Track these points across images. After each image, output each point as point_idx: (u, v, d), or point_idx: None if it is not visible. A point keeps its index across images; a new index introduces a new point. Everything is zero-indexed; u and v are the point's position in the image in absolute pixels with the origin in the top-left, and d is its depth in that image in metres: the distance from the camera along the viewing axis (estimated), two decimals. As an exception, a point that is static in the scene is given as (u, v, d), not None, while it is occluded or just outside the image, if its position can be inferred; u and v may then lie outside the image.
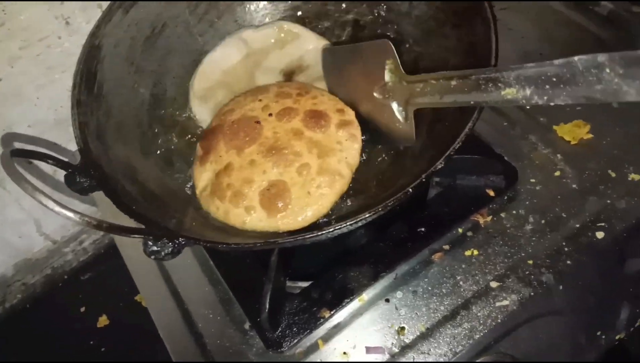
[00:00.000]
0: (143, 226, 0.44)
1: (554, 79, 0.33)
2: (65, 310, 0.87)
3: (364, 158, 0.55)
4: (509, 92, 0.36)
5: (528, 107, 0.64)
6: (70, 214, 0.39)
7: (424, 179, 0.43)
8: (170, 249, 0.43)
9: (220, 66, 0.64)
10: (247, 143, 0.53)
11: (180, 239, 0.43)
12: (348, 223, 0.42)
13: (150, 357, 0.80)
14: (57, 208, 0.39)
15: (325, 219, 0.50)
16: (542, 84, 0.34)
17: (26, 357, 0.81)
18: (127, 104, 0.58)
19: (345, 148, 0.52)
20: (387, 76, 0.49)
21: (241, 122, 0.54)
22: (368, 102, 0.52)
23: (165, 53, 0.63)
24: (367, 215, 0.42)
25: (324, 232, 0.42)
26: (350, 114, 0.54)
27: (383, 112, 0.51)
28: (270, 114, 0.54)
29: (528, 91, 0.35)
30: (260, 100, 0.56)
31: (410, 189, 0.43)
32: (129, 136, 0.57)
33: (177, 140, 0.61)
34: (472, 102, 0.41)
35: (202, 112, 0.62)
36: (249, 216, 0.49)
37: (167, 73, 0.63)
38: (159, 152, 0.58)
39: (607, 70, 0.29)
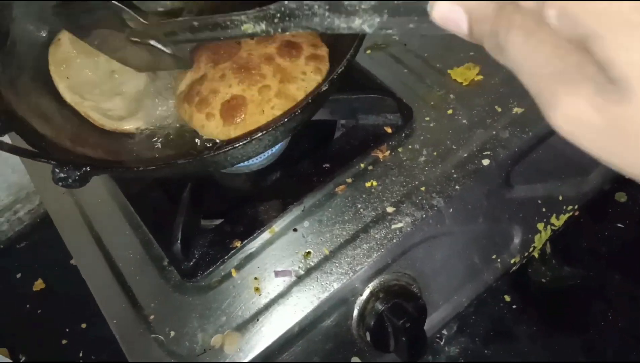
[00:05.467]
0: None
1: (279, 15, 0.38)
2: (0, 277, 0.89)
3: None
4: (247, 28, 0.41)
5: (426, 54, 0.70)
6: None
7: (309, 100, 0.47)
8: (77, 176, 0.46)
9: None
10: (223, 59, 0.57)
11: (87, 167, 0.47)
12: (242, 142, 0.46)
13: (84, 316, 0.82)
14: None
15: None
16: (271, 20, 0.39)
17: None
18: (39, 59, 0.61)
19: (308, 79, 0.56)
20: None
21: (224, 42, 0.58)
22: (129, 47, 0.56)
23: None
24: (259, 134, 0.46)
25: (221, 151, 0.46)
26: (323, 50, 0.59)
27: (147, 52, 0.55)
28: (252, 38, 0.59)
29: (263, 25, 0.40)
30: None
31: (299, 110, 0.47)
32: (43, 88, 0.59)
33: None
34: (222, 38, 0.45)
35: None
36: (208, 122, 0.55)
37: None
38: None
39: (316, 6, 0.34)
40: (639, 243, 0.79)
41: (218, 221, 0.60)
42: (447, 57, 0.69)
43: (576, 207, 0.70)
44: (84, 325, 0.83)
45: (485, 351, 0.74)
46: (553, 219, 0.68)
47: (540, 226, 0.68)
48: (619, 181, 0.78)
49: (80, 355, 0.80)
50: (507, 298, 0.78)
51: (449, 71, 0.68)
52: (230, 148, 0.45)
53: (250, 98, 0.55)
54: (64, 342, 0.81)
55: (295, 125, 0.49)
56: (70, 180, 0.46)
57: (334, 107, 0.64)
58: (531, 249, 0.69)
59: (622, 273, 0.76)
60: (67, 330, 0.82)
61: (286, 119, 0.46)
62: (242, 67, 0.56)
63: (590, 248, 0.79)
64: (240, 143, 0.45)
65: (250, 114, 0.54)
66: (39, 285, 0.87)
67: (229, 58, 0.57)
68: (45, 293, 0.86)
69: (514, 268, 0.69)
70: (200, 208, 0.60)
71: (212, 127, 0.54)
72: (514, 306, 0.77)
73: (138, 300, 0.57)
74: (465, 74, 0.66)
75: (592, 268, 0.78)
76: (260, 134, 0.46)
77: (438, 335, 0.74)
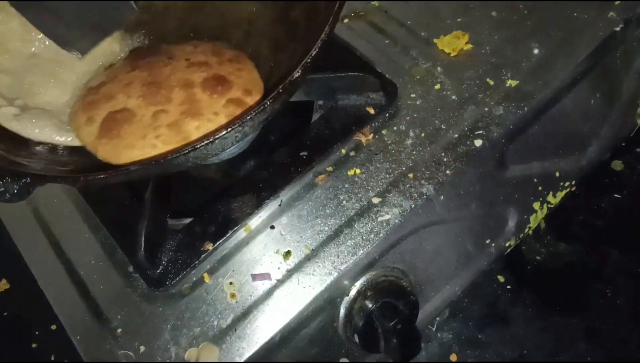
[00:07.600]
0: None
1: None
2: (-39, 280, 0.83)
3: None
4: None
5: (409, 22, 0.64)
6: None
7: (280, 90, 0.41)
8: (16, 189, 0.40)
9: None
10: (142, 67, 0.52)
11: (27, 178, 0.40)
12: (205, 142, 0.40)
13: (54, 317, 0.77)
14: None
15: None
16: None
17: None
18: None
19: (216, 122, 0.48)
20: None
21: (158, 54, 0.53)
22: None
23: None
24: (223, 132, 0.40)
25: (180, 154, 0.40)
26: (253, 99, 0.50)
27: None
28: (188, 59, 0.52)
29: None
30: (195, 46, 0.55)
31: (269, 102, 0.41)
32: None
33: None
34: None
35: None
36: (86, 126, 0.48)
37: None
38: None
39: None
40: (636, 213, 0.75)
41: (187, 221, 0.54)
42: (433, 24, 0.62)
43: (573, 183, 0.66)
44: (54, 327, 0.77)
45: (480, 336, 0.70)
46: (549, 198, 0.64)
47: (536, 205, 0.63)
48: (615, 148, 0.73)
49: (52, 358, 0.75)
50: (501, 279, 0.74)
51: (435, 40, 0.61)
52: (189, 149, 0.39)
53: (139, 117, 0.48)
54: (34, 345, 0.76)
55: (266, 117, 0.43)
56: (8, 194, 0.40)
57: (309, 87, 0.58)
58: (527, 229, 0.65)
59: (619, 248, 0.72)
60: (37, 332, 0.77)
61: (254, 113, 0.40)
62: (154, 83, 0.50)
63: (587, 222, 0.76)
64: (202, 144, 0.39)
65: (127, 134, 0.47)
66: (2, 285, 0.81)
67: (148, 69, 0.51)
68: (10, 294, 0.80)
69: (509, 250, 0.65)
70: (166, 206, 0.55)
71: (85, 133, 0.48)
72: (508, 287, 0.74)
73: (103, 311, 0.52)
74: (453, 43, 0.60)
75: (589, 243, 0.74)
76: (224, 132, 0.40)
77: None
